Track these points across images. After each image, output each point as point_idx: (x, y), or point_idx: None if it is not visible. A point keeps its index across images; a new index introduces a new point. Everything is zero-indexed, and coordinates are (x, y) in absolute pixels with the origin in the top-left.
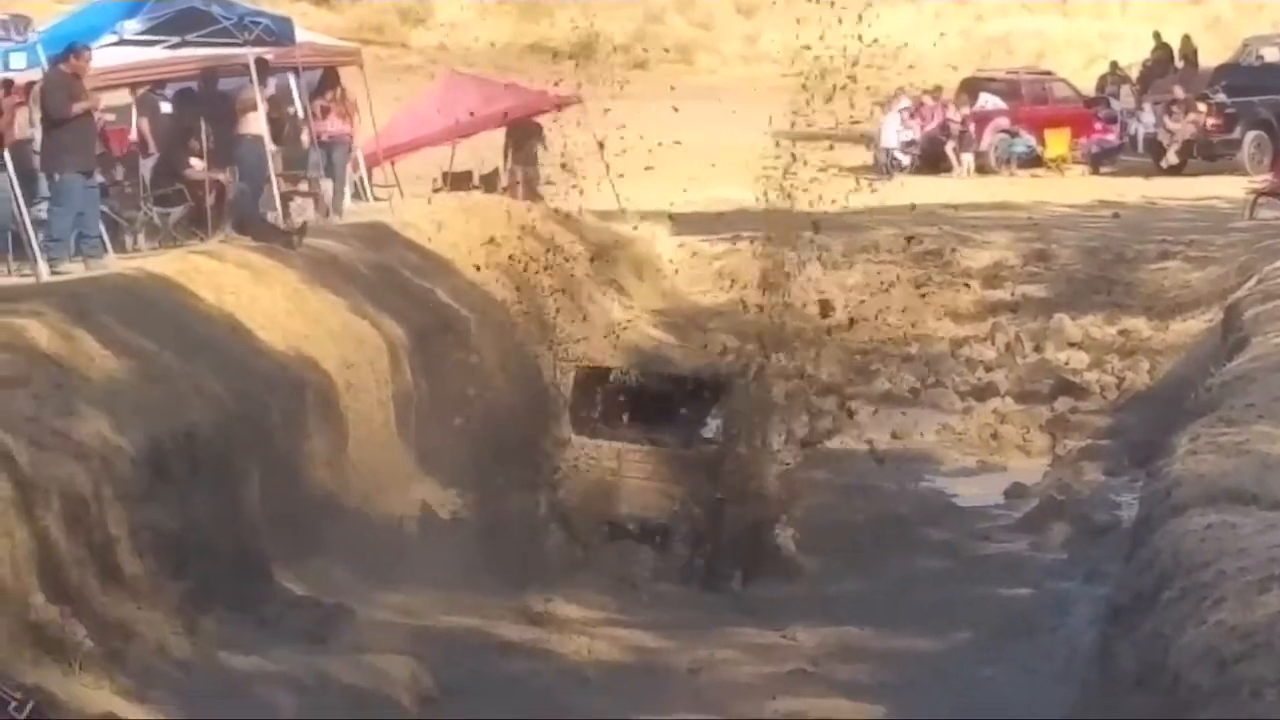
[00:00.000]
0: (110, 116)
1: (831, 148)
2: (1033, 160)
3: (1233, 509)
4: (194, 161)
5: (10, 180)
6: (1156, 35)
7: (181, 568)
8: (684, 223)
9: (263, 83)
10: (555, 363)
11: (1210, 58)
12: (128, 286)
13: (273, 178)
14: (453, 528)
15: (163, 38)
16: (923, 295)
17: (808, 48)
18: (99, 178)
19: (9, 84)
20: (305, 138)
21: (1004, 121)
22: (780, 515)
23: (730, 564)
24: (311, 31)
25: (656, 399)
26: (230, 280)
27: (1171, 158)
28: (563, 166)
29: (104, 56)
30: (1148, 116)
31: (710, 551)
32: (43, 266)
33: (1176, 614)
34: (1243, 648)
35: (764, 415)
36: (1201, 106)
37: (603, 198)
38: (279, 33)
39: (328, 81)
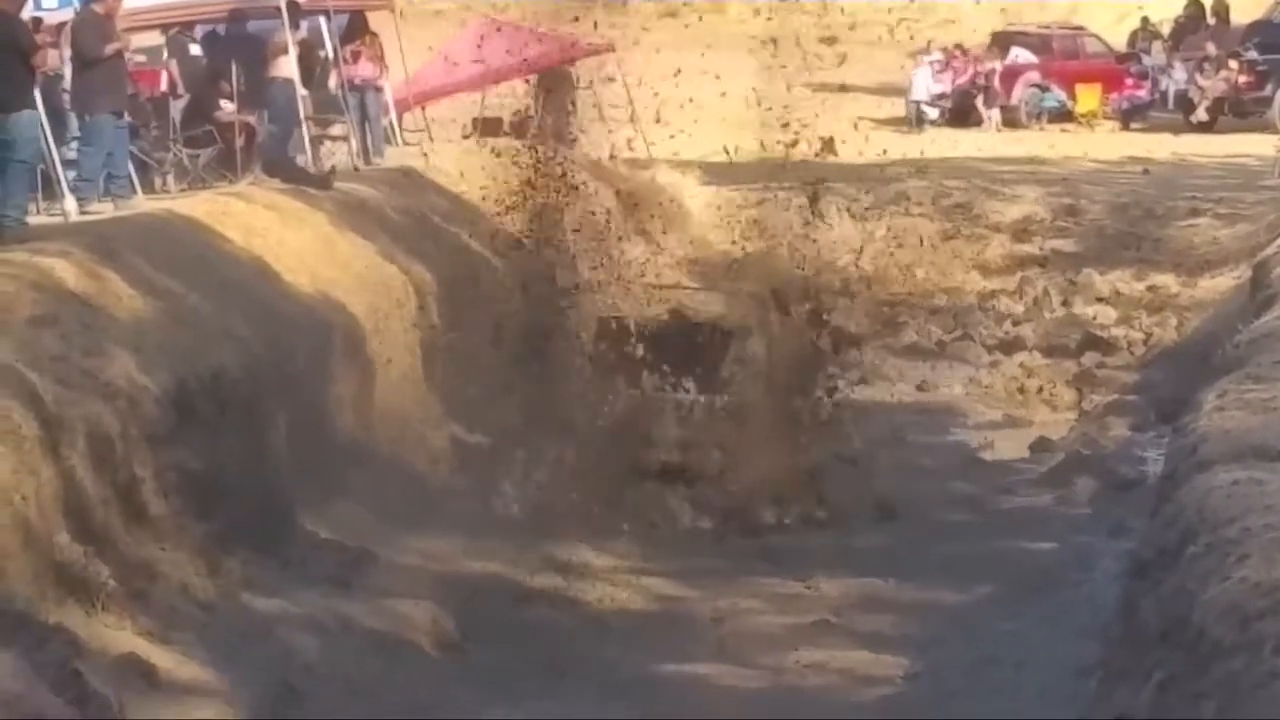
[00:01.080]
0: (141, 58)
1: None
2: (1063, 115)
3: (1259, 465)
4: (224, 103)
5: (40, 119)
6: None
7: (206, 509)
8: (713, 172)
9: (294, 26)
10: (580, 309)
11: (1242, 15)
12: (156, 227)
13: (303, 121)
14: (478, 473)
15: None
16: (951, 248)
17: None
18: (128, 118)
19: (38, 22)
20: (335, 82)
21: (1035, 76)
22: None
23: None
24: None
25: (678, 346)
26: (259, 222)
27: (1202, 114)
28: (593, 114)
29: None
30: (1179, 73)
31: (736, 492)
32: (71, 206)
33: (1200, 570)
34: (1266, 604)
35: (789, 364)
36: (1233, 63)
37: (633, 146)
38: None
39: (359, 26)
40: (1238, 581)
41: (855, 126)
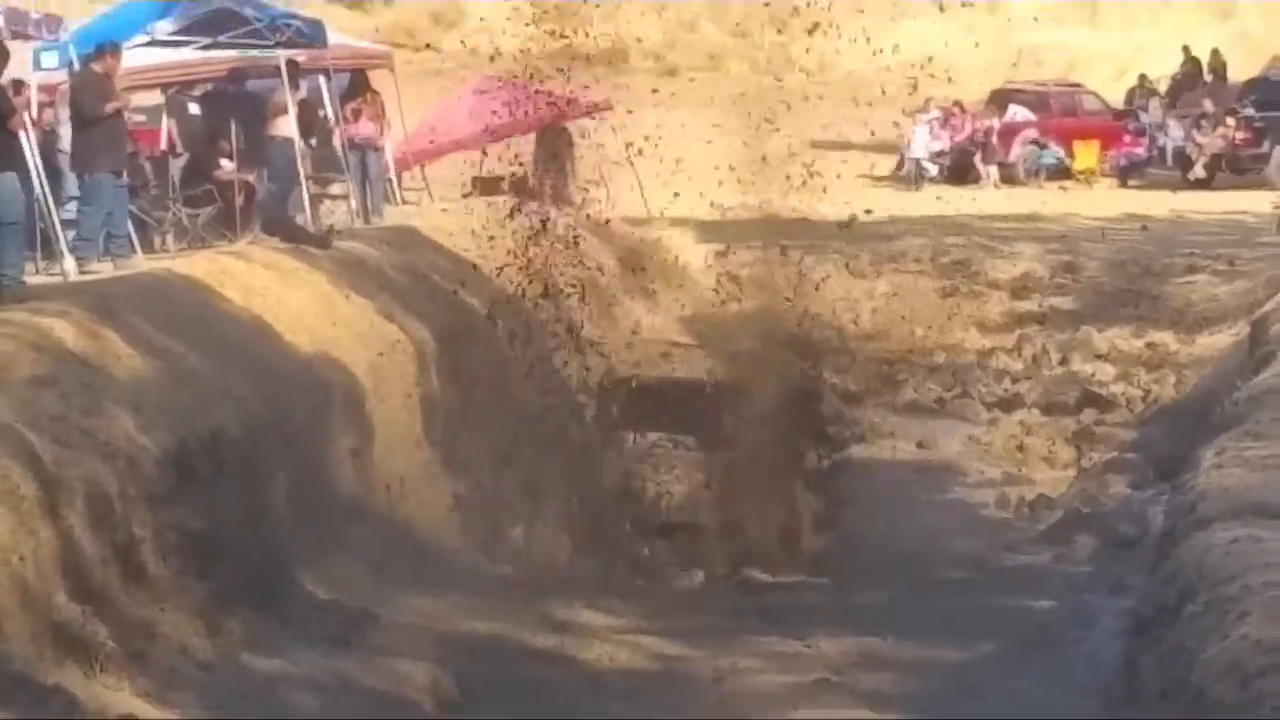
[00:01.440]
0: (140, 117)
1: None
2: (1061, 172)
3: (1258, 523)
4: (224, 162)
5: (39, 179)
6: (1186, 49)
7: (205, 569)
8: (712, 229)
9: (294, 85)
10: (582, 368)
11: (1239, 72)
12: (155, 286)
13: (302, 180)
14: (478, 532)
15: (194, 38)
16: (950, 306)
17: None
18: (127, 178)
19: (20, 85)
20: (336, 141)
21: (1033, 133)
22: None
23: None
24: (343, 34)
25: (678, 403)
26: (258, 282)
27: (1199, 171)
28: (592, 173)
29: (135, 57)
30: (1176, 130)
31: (736, 549)
32: (71, 265)
33: (1200, 628)
34: (1266, 662)
35: (789, 422)
36: (1230, 120)
37: (632, 204)
38: (311, 35)
39: (359, 84)
40: (1238, 639)
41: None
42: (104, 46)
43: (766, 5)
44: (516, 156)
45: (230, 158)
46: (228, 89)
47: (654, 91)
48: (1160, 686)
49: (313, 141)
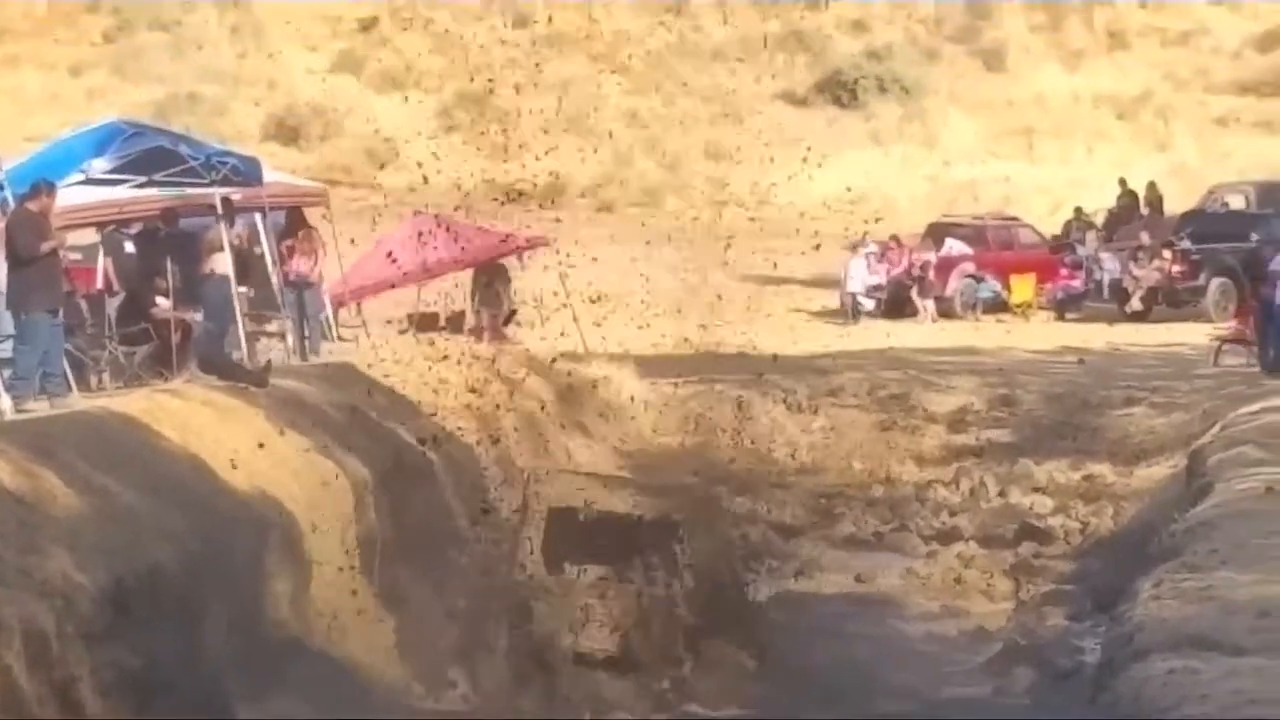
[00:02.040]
0: (76, 255)
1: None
2: (998, 305)
3: (1195, 654)
4: (160, 300)
5: None
6: (1122, 182)
7: (144, 707)
8: (650, 365)
9: (229, 222)
10: (520, 503)
11: (1176, 204)
12: (92, 425)
13: (239, 317)
14: (417, 666)
15: (130, 177)
16: (887, 439)
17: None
18: (63, 316)
19: None
20: (273, 278)
21: (970, 266)
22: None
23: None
24: (279, 171)
25: (622, 537)
26: (195, 420)
27: (1136, 304)
28: (529, 307)
29: (71, 195)
30: (1113, 263)
31: (676, 683)
32: (7, 404)
33: None
34: None
35: (728, 556)
36: (1167, 253)
37: (568, 339)
38: (247, 173)
39: (295, 221)
40: None
41: (791, 327)
42: (39, 185)
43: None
44: (456, 285)
45: (166, 296)
46: (163, 227)
47: (594, 229)
48: None
49: (249, 279)
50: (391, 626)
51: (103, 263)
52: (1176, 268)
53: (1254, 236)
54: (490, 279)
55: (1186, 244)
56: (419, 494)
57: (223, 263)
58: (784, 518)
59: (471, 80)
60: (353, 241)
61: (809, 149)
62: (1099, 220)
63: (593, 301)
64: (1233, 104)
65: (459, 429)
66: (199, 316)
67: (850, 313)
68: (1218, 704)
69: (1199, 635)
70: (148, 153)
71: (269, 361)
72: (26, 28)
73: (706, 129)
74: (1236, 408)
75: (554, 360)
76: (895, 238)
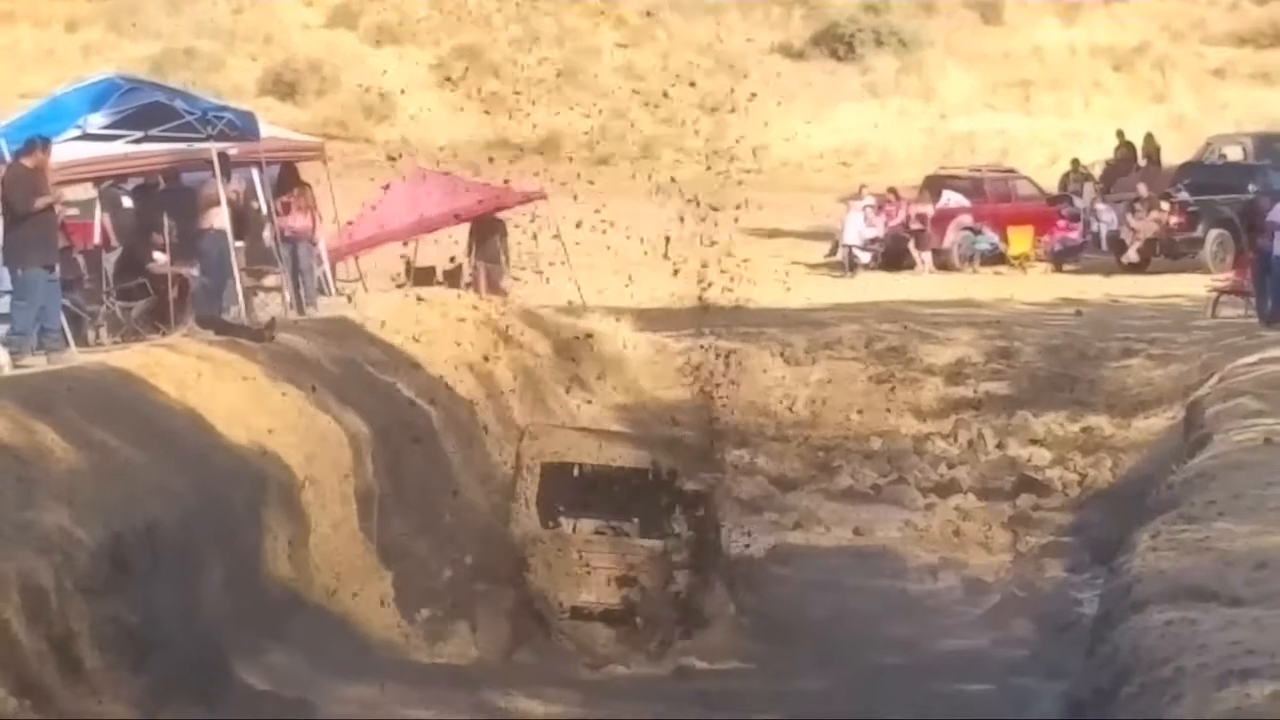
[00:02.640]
0: (73, 211)
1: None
2: (996, 258)
3: (1193, 605)
4: (157, 255)
5: None
6: (1120, 134)
7: (142, 662)
8: (647, 318)
9: (226, 177)
10: (518, 456)
11: (1173, 156)
12: (89, 380)
13: (235, 272)
14: (415, 620)
15: (126, 132)
16: (885, 392)
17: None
18: (61, 272)
19: None
20: (269, 233)
21: (967, 219)
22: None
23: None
24: (276, 126)
25: (619, 491)
26: (192, 374)
27: (1134, 255)
28: (526, 261)
29: (67, 151)
30: (1110, 214)
31: (674, 635)
32: (4, 359)
33: (1135, 710)
34: None
35: (727, 509)
36: (1164, 205)
37: (565, 293)
38: (243, 127)
39: (291, 176)
40: None
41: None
42: (34, 141)
43: (693, 86)
44: (453, 240)
45: (163, 251)
46: (160, 182)
47: (591, 183)
48: None
49: (246, 234)
50: (389, 580)
51: (100, 218)
52: (1174, 219)
53: (1251, 188)
54: (487, 233)
55: (1184, 195)
56: (416, 448)
57: (219, 218)
58: (782, 470)
59: (468, 35)
60: (349, 196)
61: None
62: (1096, 172)
63: (589, 255)
64: (1230, 55)
65: (456, 383)
66: (195, 271)
67: (847, 265)
68: (1214, 654)
69: (1197, 586)
70: (144, 108)
71: (273, 320)
72: None
73: (703, 82)
74: (1234, 359)
75: (551, 314)
76: (892, 190)
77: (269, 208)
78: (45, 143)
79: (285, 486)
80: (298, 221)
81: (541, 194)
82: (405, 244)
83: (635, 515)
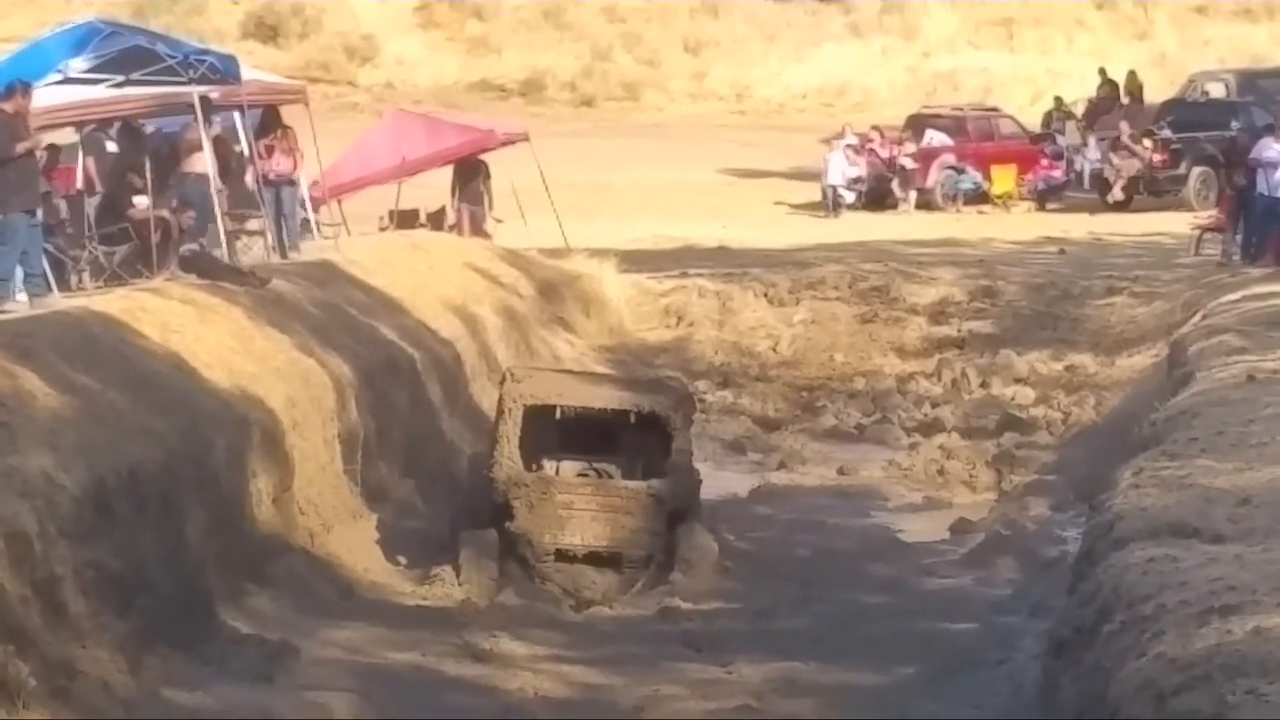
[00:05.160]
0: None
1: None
2: (979, 197)
3: (1174, 543)
4: (138, 200)
5: None
6: (1102, 71)
7: (126, 606)
8: (631, 259)
9: (208, 121)
10: (500, 399)
11: (1156, 94)
12: (72, 325)
13: (218, 216)
14: (398, 562)
15: (108, 76)
16: (869, 332)
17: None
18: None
19: None
20: (251, 177)
21: (950, 158)
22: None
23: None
24: (258, 69)
25: (603, 432)
26: (175, 318)
27: (1117, 194)
28: (510, 203)
29: (49, 95)
30: (1093, 153)
31: (658, 576)
32: (24, 300)
33: (1117, 647)
34: (1181, 680)
35: (710, 450)
36: (1147, 142)
37: (550, 234)
38: (225, 71)
39: (273, 120)
40: (1153, 658)
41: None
42: (14, 85)
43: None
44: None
45: (145, 195)
46: (142, 126)
47: (574, 124)
48: (1078, 706)
49: (229, 178)
50: (373, 523)
51: (83, 162)
52: (1157, 157)
53: (1234, 125)
54: (470, 175)
55: (1167, 133)
56: (401, 391)
57: (201, 162)
58: (765, 411)
59: None
60: (332, 139)
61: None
62: (1079, 110)
63: (572, 196)
64: None
65: (440, 326)
66: (192, 214)
67: (831, 205)
68: (1196, 591)
69: (1179, 523)
70: (125, 52)
71: (267, 275)
72: None
73: (685, 23)
74: (1217, 296)
75: (534, 256)
76: (876, 129)
77: (251, 151)
78: (26, 87)
79: (269, 430)
80: (280, 165)
81: (525, 135)
82: (390, 186)
83: (618, 457)
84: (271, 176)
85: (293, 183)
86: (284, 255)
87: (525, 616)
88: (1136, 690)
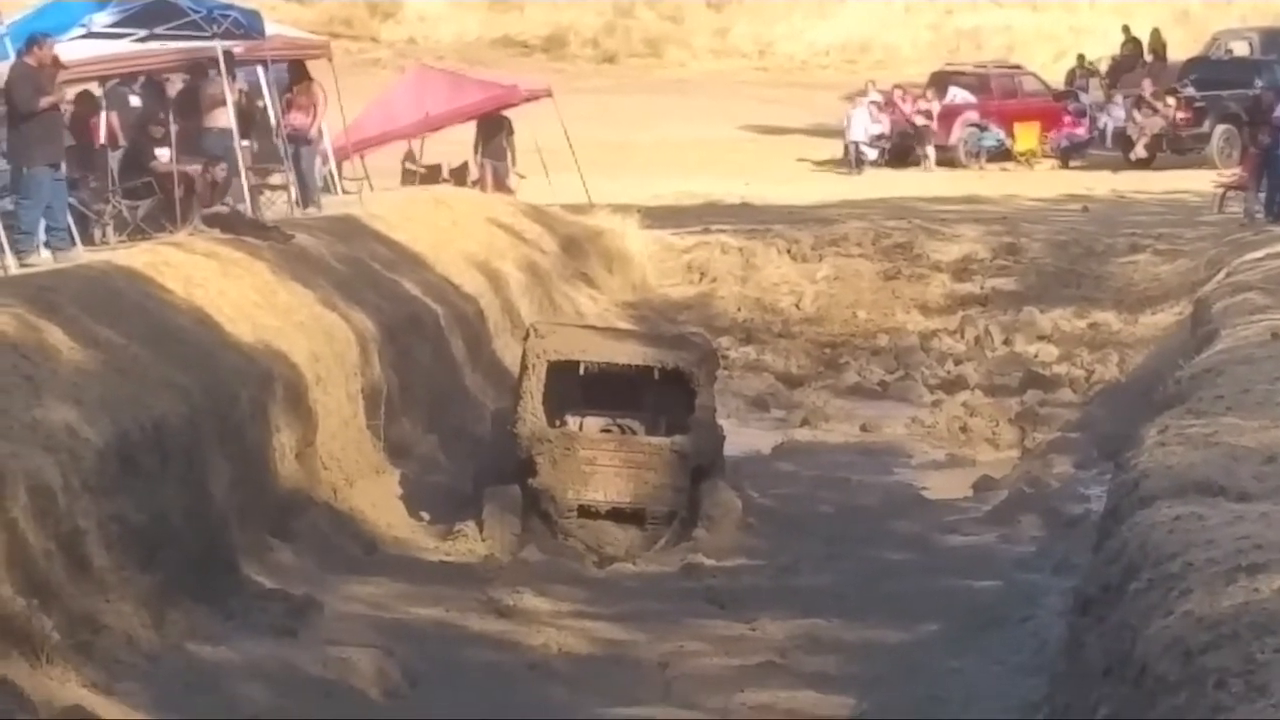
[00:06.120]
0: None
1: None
2: (1002, 154)
3: (1200, 500)
4: (160, 152)
5: None
6: (1125, 29)
7: (149, 560)
8: (654, 215)
9: (231, 75)
10: (524, 355)
11: (1179, 51)
12: (96, 279)
13: (241, 171)
14: (421, 518)
15: (132, 30)
16: (892, 288)
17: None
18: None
19: None
20: (274, 131)
21: (973, 115)
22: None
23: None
24: (281, 24)
25: (626, 388)
26: (199, 273)
27: (1140, 151)
28: (533, 159)
29: (73, 49)
30: (1117, 110)
31: (681, 533)
32: (10, 259)
33: (1144, 605)
34: (1208, 638)
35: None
36: (1170, 100)
37: (573, 190)
38: (248, 26)
39: (297, 75)
40: (1181, 616)
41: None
42: (36, 39)
43: None
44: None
45: (169, 149)
46: (166, 81)
47: (596, 81)
48: (1104, 664)
49: (253, 132)
50: (396, 479)
51: (107, 117)
52: (1180, 114)
53: (1258, 83)
54: (494, 131)
55: (1190, 91)
56: (424, 346)
57: (225, 116)
58: (789, 368)
59: None
60: (355, 95)
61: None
62: (1103, 68)
63: (595, 152)
64: None
65: (463, 281)
66: (223, 168)
67: (854, 162)
68: (1222, 549)
69: (1204, 481)
70: (149, 6)
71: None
72: None
73: None
74: (1241, 254)
75: (558, 212)
76: (899, 86)
77: (275, 106)
78: (47, 40)
79: (292, 384)
80: (304, 119)
81: (547, 91)
82: (411, 142)
83: (642, 413)
84: (293, 131)
85: (314, 138)
86: (305, 209)
87: (548, 572)
88: (1164, 648)
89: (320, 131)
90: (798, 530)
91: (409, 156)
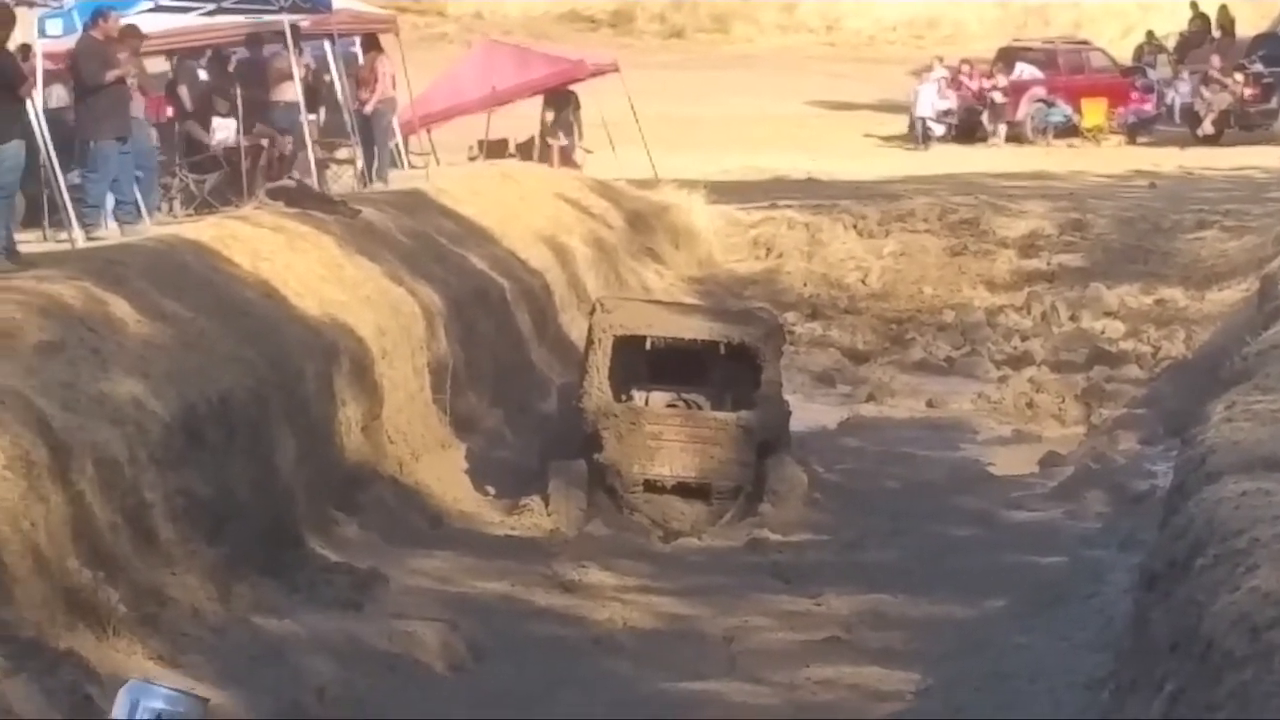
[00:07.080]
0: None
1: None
2: (1069, 130)
3: (1268, 476)
4: (218, 123)
5: (46, 147)
6: (1194, 5)
7: (215, 533)
8: (721, 191)
9: (298, 49)
10: (590, 329)
11: (1247, 27)
12: (163, 252)
13: (308, 145)
14: (488, 493)
15: (199, 4)
16: (959, 264)
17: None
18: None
19: (26, 50)
20: (342, 105)
21: (1041, 91)
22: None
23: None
24: None
25: (692, 363)
26: (265, 246)
27: (1208, 127)
28: (599, 133)
29: (140, 23)
30: (1184, 86)
31: (747, 508)
32: (78, 233)
33: (1210, 581)
34: (1275, 614)
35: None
36: (1238, 76)
37: (639, 166)
38: (315, 0)
39: (364, 48)
40: (1247, 592)
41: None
42: (101, 12)
43: None
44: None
45: (237, 122)
46: (233, 54)
47: (663, 56)
48: (1170, 640)
49: (319, 106)
50: (462, 453)
51: (178, 90)
52: (1248, 90)
53: None
54: (560, 105)
55: (1259, 67)
56: (490, 321)
57: (292, 90)
58: (855, 343)
59: None
60: (422, 69)
61: None
62: (1170, 44)
63: (662, 127)
64: None
65: (529, 256)
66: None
67: (920, 138)
68: None
69: (1271, 457)
70: None
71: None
72: None
73: None
74: None
75: (624, 187)
76: (966, 62)
77: (341, 80)
78: (113, 13)
79: (358, 358)
80: (371, 93)
81: (614, 66)
82: (479, 116)
83: (708, 388)
84: (361, 105)
85: (381, 112)
86: (371, 183)
87: (613, 547)
88: (1231, 624)
89: (389, 104)
90: (863, 506)
91: (479, 146)
